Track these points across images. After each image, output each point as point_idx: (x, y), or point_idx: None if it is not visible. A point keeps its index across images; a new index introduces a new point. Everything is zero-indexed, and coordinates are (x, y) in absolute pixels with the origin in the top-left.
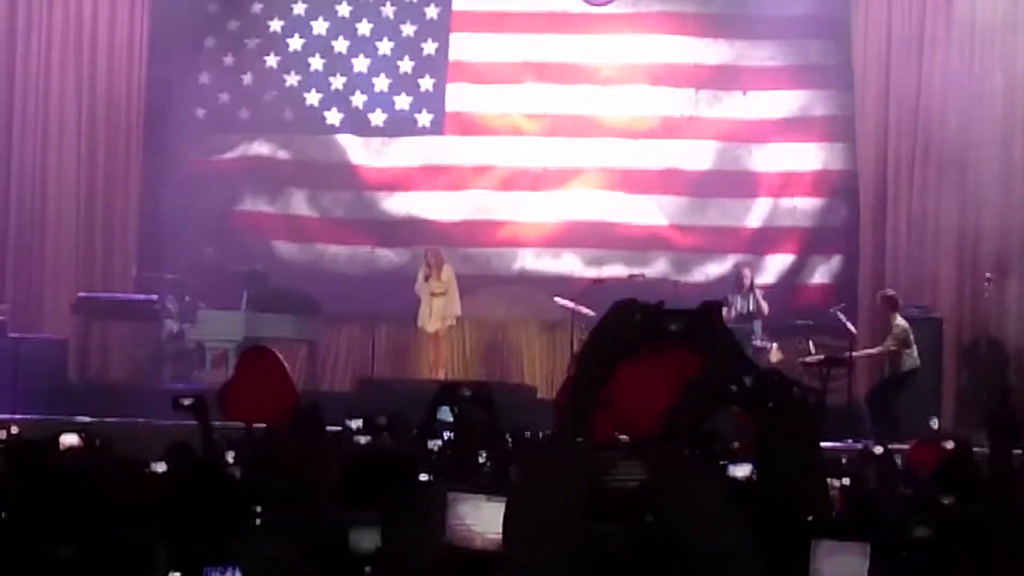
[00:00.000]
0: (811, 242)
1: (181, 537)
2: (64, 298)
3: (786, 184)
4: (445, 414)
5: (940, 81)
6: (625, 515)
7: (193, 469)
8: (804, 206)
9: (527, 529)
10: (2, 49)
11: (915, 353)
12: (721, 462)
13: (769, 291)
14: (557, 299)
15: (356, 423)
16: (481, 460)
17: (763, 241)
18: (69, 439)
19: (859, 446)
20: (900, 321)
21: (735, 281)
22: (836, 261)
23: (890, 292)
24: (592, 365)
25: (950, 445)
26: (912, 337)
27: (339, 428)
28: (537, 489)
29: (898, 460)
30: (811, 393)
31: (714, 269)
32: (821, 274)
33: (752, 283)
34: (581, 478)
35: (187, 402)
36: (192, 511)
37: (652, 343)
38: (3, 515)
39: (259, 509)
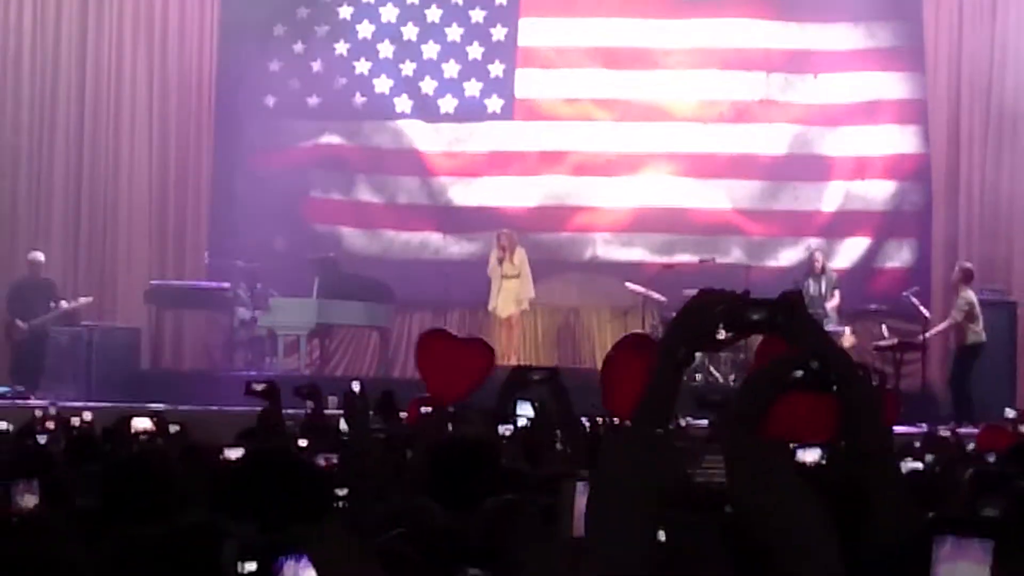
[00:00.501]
0: (884, 226)
1: (256, 523)
2: (137, 286)
3: (859, 168)
4: (526, 408)
5: (1013, 58)
6: (707, 507)
7: (269, 455)
8: (877, 190)
9: (608, 517)
10: (74, 39)
11: (980, 327)
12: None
13: (842, 275)
14: (628, 284)
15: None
16: (559, 446)
17: (836, 225)
18: (141, 423)
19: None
20: (966, 293)
21: (808, 265)
22: (910, 245)
23: (967, 264)
24: (673, 353)
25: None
26: (978, 310)
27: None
28: (616, 478)
29: (970, 445)
30: (877, 375)
31: (786, 255)
32: (894, 258)
33: (824, 266)
34: (661, 468)
35: (259, 387)
36: (268, 497)
37: (735, 333)
38: (80, 501)
39: (341, 494)
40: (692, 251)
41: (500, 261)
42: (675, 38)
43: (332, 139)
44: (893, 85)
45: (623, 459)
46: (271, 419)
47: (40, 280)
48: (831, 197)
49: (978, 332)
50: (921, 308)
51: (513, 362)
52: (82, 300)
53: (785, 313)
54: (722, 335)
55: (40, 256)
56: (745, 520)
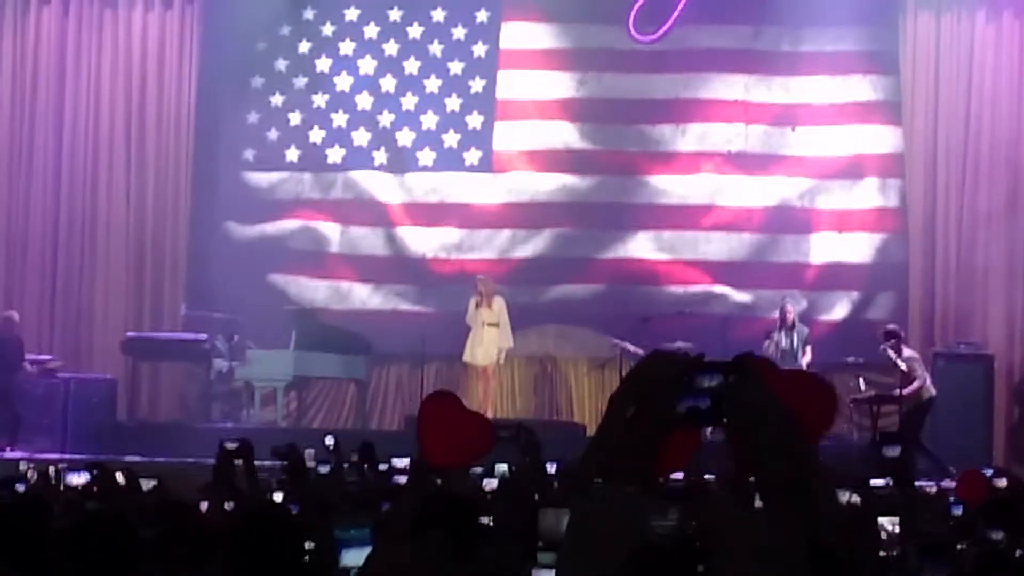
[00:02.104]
0: (865, 279)
1: None
2: (114, 337)
3: (840, 222)
4: (503, 471)
5: (988, 112)
6: (675, 563)
7: (248, 510)
8: (857, 243)
9: None
10: (52, 89)
11: (928, 383)
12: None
13: (816, 327)
14: (611, 339)
15: (402, 463)
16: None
17: (811, 277)
18: (76, 478)
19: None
20: (907, 352)
21: (779, 317)
22: (886, 298)
23: (890, 326)
24: (621, 412)
25: (1002, 482)
26: (919, 366)
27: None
28: (587, 538)
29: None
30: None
31: (766, 308)
32: (871, 311)
33: (795, 319)
34: (632, 527)
35: (232, 446)
36: (250, 553)
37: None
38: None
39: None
40: (672, 304)
41: (478, 306)
42: (654, 90)
43: (310, 192)
44: (872, 139)
45: (596, 521)
46: (226, 473)
47: (12, 337)
48: (812, 251)
49: (929, 388)
50: (898, 361)
51: (489, 414)
52: (51, 365)
53: (736, 380)
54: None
55: (15, 315)
56: None
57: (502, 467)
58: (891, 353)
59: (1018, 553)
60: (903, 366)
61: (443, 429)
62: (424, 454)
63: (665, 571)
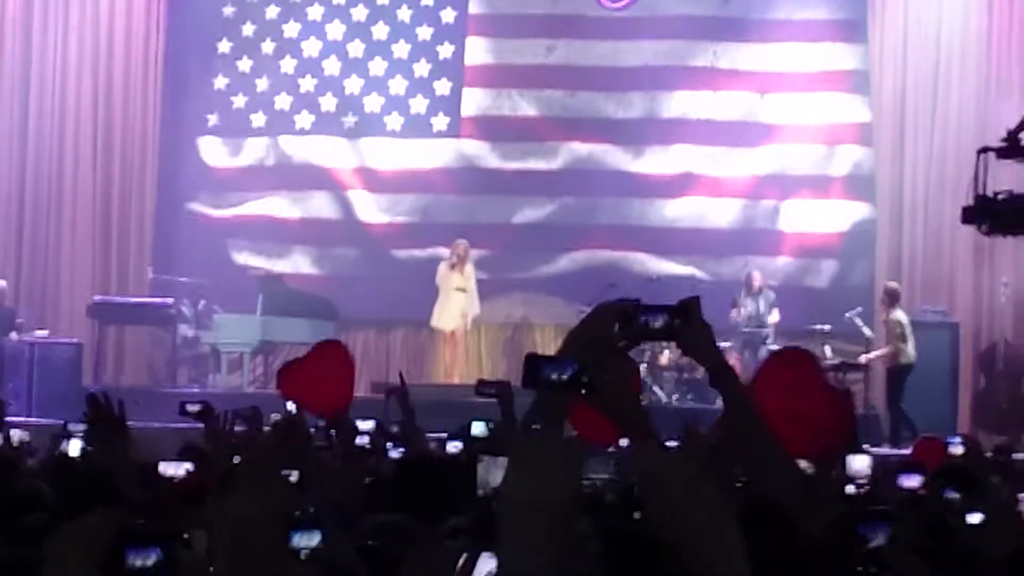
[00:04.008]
0: (826, 245)
1: None
2: (80, 301)
3: (807, 190)
4: (481, 429)
5: (957, 80)
6: (612, 509)
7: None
8: (821, 208)
9: (514, 528)
10: (18, 51)
11: (911, 348)
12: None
13: (782, 293)
14: (579, 306)
15: (367, 425)
16: None
17: (778, 242)
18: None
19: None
20: (897, 314)
21: (745, 283)
22: (853, 266)
23: (892, 284)
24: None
25: (959, 449)
26: (909, 331)
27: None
28: (524, 485)
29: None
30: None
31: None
32: (836, 277)
33: (762, 286)
34: (570, 474)
35: (193, 408)
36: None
37: (633, 341)
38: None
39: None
40: (642, 274)
41: (452, 267)
42: (623, 57)
43: (278, 156)
44: (841, 107)
45: (537, 467)
46: (218, 439)
47: (3, 308)
48: (782, 219)
49: (909, 354)
50: (864, 328)
51: (456, 380)
52: (38, 333)
53: (682, 318)
54: (621, 343)
55: (2, 284)
56: (657, 530)
57: (479, 425)
58: (858, 321)
59: (971, 518)
60: (868, 333)
61: (307, 381)
62: (285, 381)
63: (602, 517)
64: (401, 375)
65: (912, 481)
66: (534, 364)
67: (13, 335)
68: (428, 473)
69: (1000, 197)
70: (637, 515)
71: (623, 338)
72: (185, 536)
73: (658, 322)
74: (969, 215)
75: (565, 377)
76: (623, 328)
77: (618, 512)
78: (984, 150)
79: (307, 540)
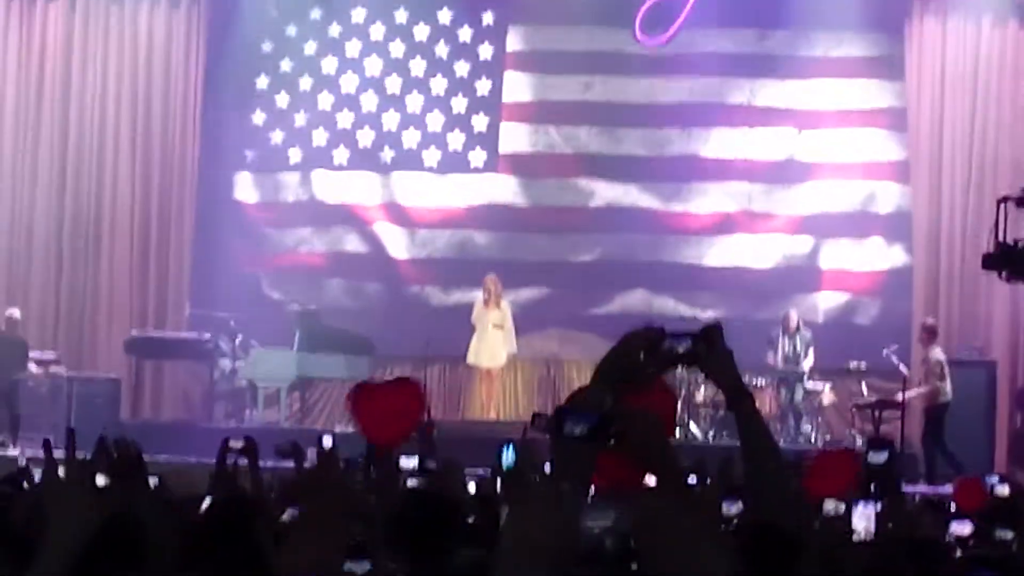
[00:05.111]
0: (864, 283)
1: None
2: (118, 337)
3: (844, 227)
4: (509, 459)
5: (994, 115)
6: (604, 562)
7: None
8: (859, 247)
9: (511, 572)
10: (58, 87)
11: (948, 387)
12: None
13: (819, 332)
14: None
15: (410, 463)
16: None
17: (817, 280)
18: None
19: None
20: (936, 353)
21: (782, 323)
22: (890, 303)
23: (930, 321)
24: (596, 395)
25: (1005, 489)
26: (947, 370)
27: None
28: (522, 534)
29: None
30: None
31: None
32: (873, 315)
33: (799, 325)
34: (568, 524)
35: (238, 445)
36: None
37: (659, 368)
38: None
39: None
40: (676, 310)
41: (485, 304)
42: (661, 94)
43: (315, 191)
44: (878, 144)
45: (533, 514)
46: (227, 479)
47: (15, 338)
48: (820, 256)
49: (947, 392)
50: (901, 366)
51: (492, 416)
52: (53, 370)
53: (706, 343)
54: (648, 370)
55: (17, 313)
56: None
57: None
58: (894, 358)
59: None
60: (905, 371)
61: (375, 409)
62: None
63: (599, 568)
64: (429, 410)
65: (964, 528)
66: (559, 417)
67: (32, 368)
68: (427, 511)
69: (1021, 245)
70: (634, 566)
71: (649, 364)
72: None
73: (682, 347)
74: (989, 262)
75: (586, 432)
76: (649, 354)
77: (616, 560)
78: (1004, 200)
79: (359, 568)
